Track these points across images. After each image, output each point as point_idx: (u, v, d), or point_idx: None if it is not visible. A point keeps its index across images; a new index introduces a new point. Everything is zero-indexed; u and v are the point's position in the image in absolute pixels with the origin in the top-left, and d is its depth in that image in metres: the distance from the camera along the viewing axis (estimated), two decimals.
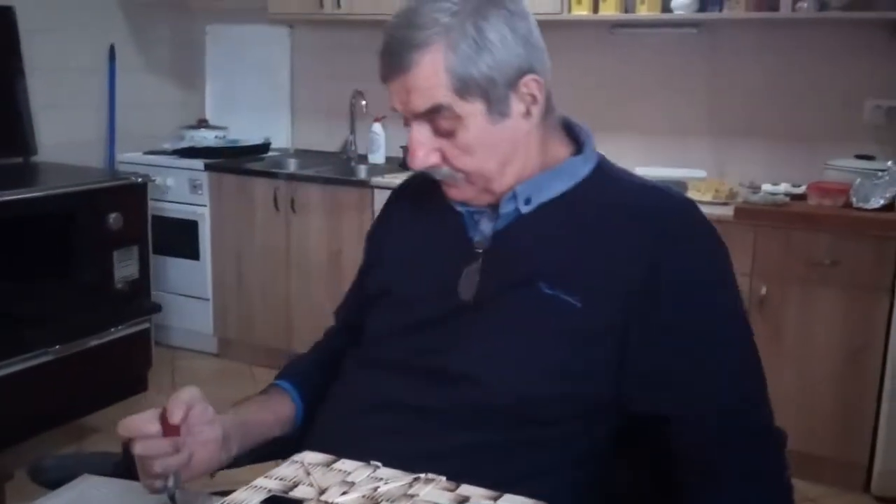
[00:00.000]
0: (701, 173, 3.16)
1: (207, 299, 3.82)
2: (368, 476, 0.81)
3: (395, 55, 0.98)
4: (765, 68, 3.14)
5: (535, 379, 0.99)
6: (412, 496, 0.76)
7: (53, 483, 1.20)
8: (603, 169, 1.09)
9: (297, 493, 0.78)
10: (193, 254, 3.80)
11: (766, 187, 2.89)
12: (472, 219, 1.09)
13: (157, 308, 3.42)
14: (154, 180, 3.54)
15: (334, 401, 1.11)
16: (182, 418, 0.98)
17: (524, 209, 1.05)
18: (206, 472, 1.04)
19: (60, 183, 3.15)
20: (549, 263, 1.02)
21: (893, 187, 2.64)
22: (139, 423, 0.98)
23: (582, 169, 1.07)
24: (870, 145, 2.96)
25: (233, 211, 3.69)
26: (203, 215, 3.74)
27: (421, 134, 1.01)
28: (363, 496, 0.77)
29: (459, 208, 1.09)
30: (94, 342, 3.09)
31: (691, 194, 2.90)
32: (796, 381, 2.71)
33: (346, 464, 0.84)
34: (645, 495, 1.07)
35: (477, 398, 0.99)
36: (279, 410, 1.16)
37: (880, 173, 2.70)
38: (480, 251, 1.06)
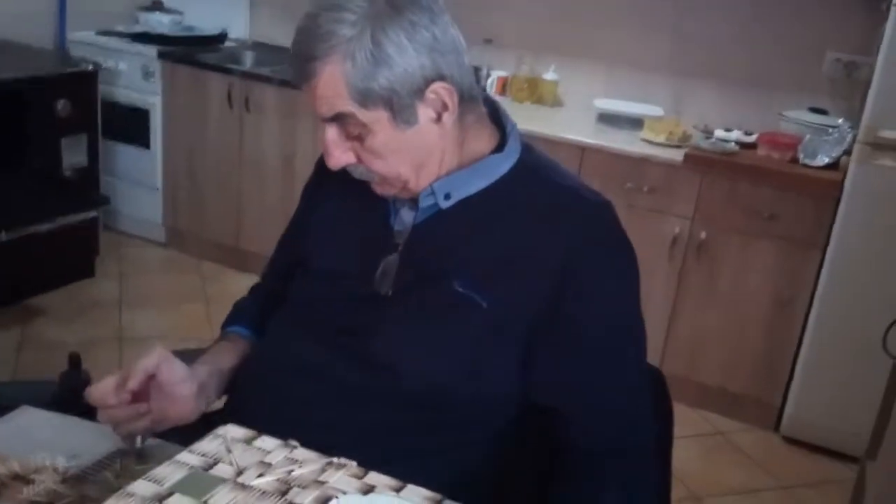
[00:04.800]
0: (658, 111, 3.18)
1: (157, 189, 3.79)
2: (285, 457, 0.86)
3: (297, 64, 0.99)
4: (732, 10, 3.12)
5: (443, 371, 1.04)
6: (322, 483, 0.82)
7: None
8: (525, 165, 1.10)
9: (216, 472, 0.83)
10: (144, 142, 3.74)
11: (719, 133, 2.93)
12: (394, 206, 1.11)
13: (105, 200, 3.40)
14: (105, 66, 3.45)
15: (260, 361, 1.16)
16: (139, 386, 1.04)
17: (444, 204, 1.07)
18: (186, 422, 1.10)
19: (9, 66, 3.05)
20: (463, 261, 1.05)
21: (840, 146, 2.70)
22: (101, 393, 1.04)
23: (502, 166, 1.08)
24: (825, 99, 3.00)
25: (186, 103, 3.62)
26: (155, 104, 3.66)
27: (332, 135, 1.02)
28: (277, 479, 0.83)
29: None
30: (40, 228, 3.08)
31: (645, 134, 2.94)
32: (725, 322, 2.84)
33: (265, 441, 0.89)
34: (536, 482, 1.14)
35: (390, 382, 1.04)
36: (244, 355, 1.22)
37: (830, 129, 2.75)
38: (399, 243, 1.09)
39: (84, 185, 3.27)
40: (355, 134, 1.02)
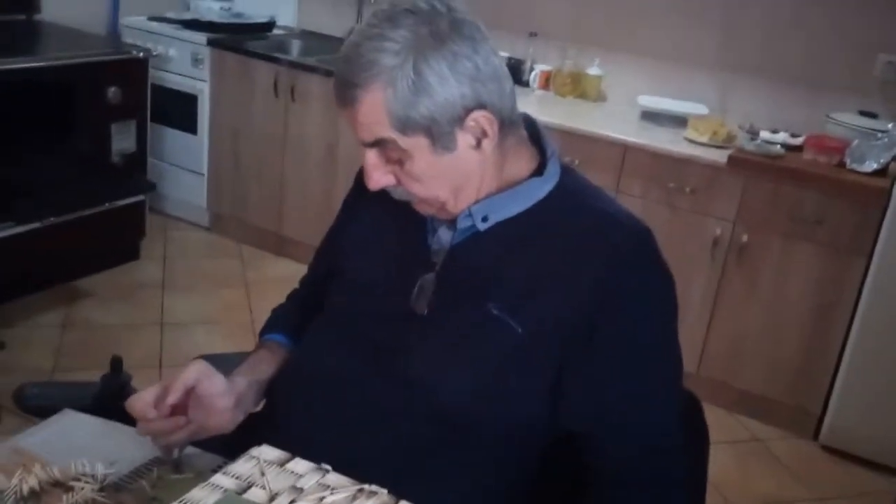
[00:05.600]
0: (703, 109, 3.13)
1: (202, 174, 3.85)
2: (317, 483, 0.88)
3: (339, 89, 1.00)
4: (782, 5, 3.05)
5: (475, 393, 1.04)
6: None
7: (35, 410, 1.28)
8: (564, 189, 1.09)
9: (250, 496, 0.85)
10: (191, 128, 3.79)
11: (765, 134, 2.87)
12: (433, 225, 1.12)
13: (151, 187, 3.45)
14: (156, 52, 3.49)
15: (294, 373, 1.17)
16: (179, 399, 1.07)
17: (481, 226, 1.07)
18: (224, 432, 1.12)
19: (62, 51, 3.11)
20: (499, 284, 1.05)
21: (889, 152, 2.64)
22: (141, 406, 1.07)
23: (541, 189, 1.08)
24: (876, 102, 2.93)
25: (232, 90, 3.66)
26: (203, 91, 3.71)
27: (373, 158, 1.04)
28: None
29: None
30: (88, 212, 3.14)
31: (689, 133, 2.90)
32: (765, 327, 2.80)
33: (298, 464, 0.91)
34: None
35: (422, 401, 1.05)
36: (283, 364, 1.23)
37: (880, 135, 2.68)
38: (436, 263, 1.09)
39: (131, 171, 3.32)
40: (395, 158, 1.03)
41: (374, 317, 1.12)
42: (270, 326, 1.33)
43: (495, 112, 1.02)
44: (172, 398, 1.05)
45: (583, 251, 1.04)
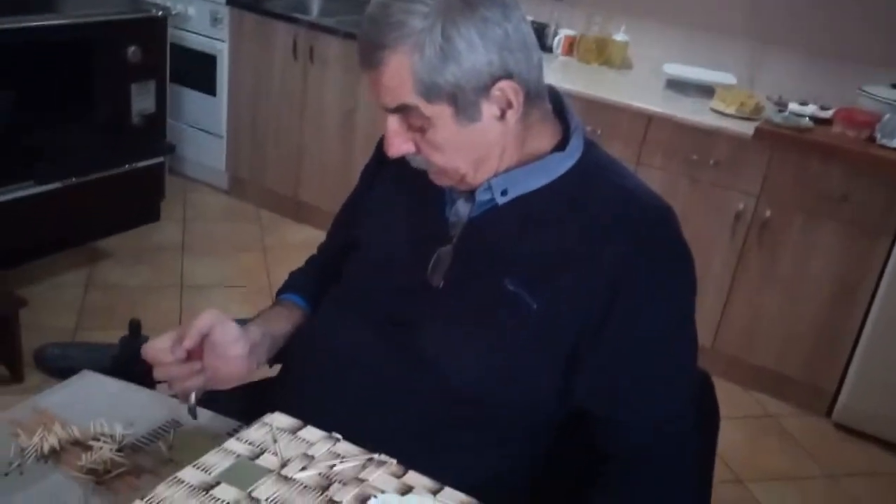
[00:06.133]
0: (731, 79, 3.08)
1: (222, 137, 3.84)
2: (328, 451, 0.88)
3: (365, 50, 0.98)
4: None
5: (486, 369, 1.04)
6: (362, 480, 0.84)
7: (55, 371, 1.30)
8: (586, 164, 1.08)
9: (262, 462, 0.86)
10: (210, 89, 3.78)
11: (793, 107, 2.83)
12: (451, 197, 1.11)
13: (171, 149, 3.46)
14: (175, 12, 3.47)
15: (308, 343, 1.17)
16: (194, 345, 1.06)
17: (500, 200, 1.06)
18: (237, 382, 1.13)
19: (80, 9, 3.10)
20: (516, 259, 1.04)
21: None
22: (157, 351, 1.07)
23: (563, 165, 1.07)
24: None
25: (252, 51, 3.63)
26: (222, 51, 3.69)
27: (394, 125, 1.02)
28: (319, 474, 0.85)
29: None
30: (108, 173, 3.15)
31: (715, 104, 2.86)
32: (783, 304, 2.78)
33: (310, 432, 0.91)
34: (569, 486, 1.13)
35: (434, 376, 1.05)
36: (298, 323, 1.24)
37: None
38: (453, 236, 1.08)
39: (151, 132, 3.32)
40: (417, 126, 1.01)
41: (389, 289, 1.12)
42: (287, 287, 1.33)
43: (521, 82, 1.00)
44: (188, 343, 1.05)
45: (603, 228, 1.02)
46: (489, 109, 1.00)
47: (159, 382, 1.11)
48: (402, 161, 1.08)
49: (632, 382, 1.03)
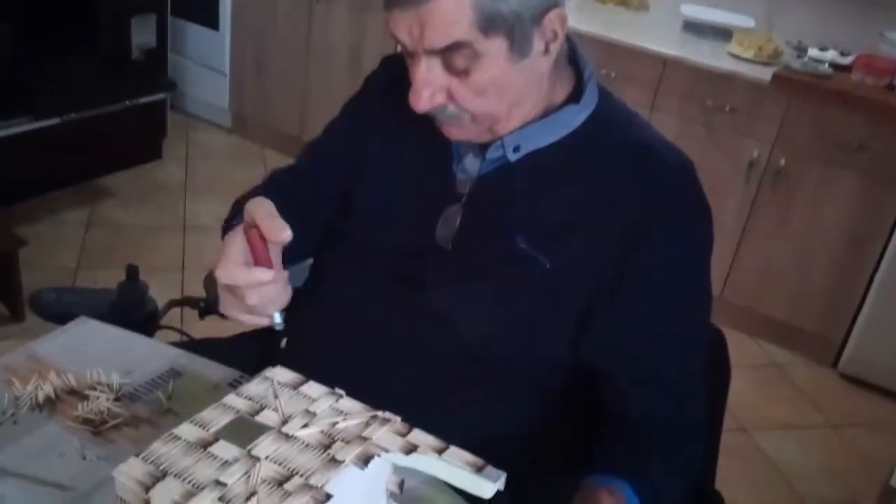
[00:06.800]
0: (749, 21, 2.99)
1: (224, 73, 3.76)
2: (330, 407, 0.85)
3: None
4: None
5: (497, 329, 1.01)
6: (365, 439, 0.81)
7: (51, 315, 1.27)
8: (601, 116, 1.01)
9: (262, 418, 0.83)
10: (213, 23, 3.69)
11: (812, 52, 2.74)
12: (458, 152, 1.04)
13: (173, 85, 3.38)
14: None
15: (314, 301, 1.13)
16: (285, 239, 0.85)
17: (512, 157, 1.00)
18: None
19: None
20: (528, 217, 0.99)
21: None
22: (247, 276, 0.86)
23: (577, 117, 1.01)
24: None
25: None
26: None
27: (431, 72, 0.92)
28: (321, 431, 0.82)
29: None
30: (109, 109, 3.10)
31: (733, 48, 2.77)
32: (794, 253, 2.74)
33: (312, 388, 0.88)
34: (576, 445, 1.11)
35: (443, 336, 1.02)
36: None
37: None
38: (463, 194, 1.03)
39: (152, 68, 3.25)
40: (461, 68, 0.92)
41: (394, 249, 1.06)
42: (269, 187, 1.15)
43: (564, 10, 0.94)
44: (287, 233, 0.85)
45: (619, 184, 0.97)
46: (538, 43, 0.94)
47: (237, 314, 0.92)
48: (399, 109, 1.00)
49: (644, 342, 0.99)
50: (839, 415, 2.61)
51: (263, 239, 0.86)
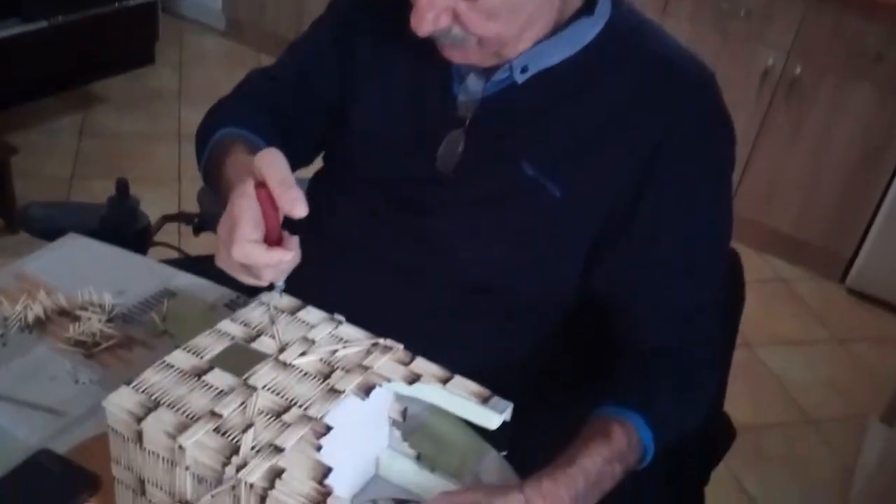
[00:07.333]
0: None
1: None
2: (329, 334, 0.82)
3: None
4: None
5: (502, 261, 0.95)
6: (366, 368, 0.78)
7: (39, 231, 1.22)
8: (615, 29, 0.93)
9: (258, 345, 0.79)
10: None
11: None
12: (459, 72, 0.96)
13: None
14: None
15: (308, 229, 1.06)
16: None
17: (519, 78, 0.92)
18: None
19: None
20: (536, 141, 0.92)
21: None
22: (265, 256, 0.75)
23: (590, 31, 0.92)
24: None
25: None
26: None
27: None
28: (320, 359, 0.78)
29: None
30: (99, 11, 2.98)
31: None
32: (806, 166, 2.68)
33: (310, 314, 0.84)
34: (580, 377, 1.07)
35: (445, 267, 0.97)
36: None
37: None
38: (466, 118, 0.95)
39: None
40: None
41: (392, 177, 1.00)
42: (231, 122, 1.01)
43: None
44: (302, 209, 0.75)
45: (634, 103, 0.90)
46: None
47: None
48: (393, 20, 0.92)
49: (659, 271, 0.94)
50: (846, 330, 2.59)
51: (275, 204, 0.75)
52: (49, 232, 1.18)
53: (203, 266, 1.10)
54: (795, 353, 2.46)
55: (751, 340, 2.45)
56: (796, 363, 2.42)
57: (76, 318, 1.00)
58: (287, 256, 0.76)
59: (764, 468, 2.05)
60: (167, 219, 1.43)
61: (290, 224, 0.77)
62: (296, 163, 1.03)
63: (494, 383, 0.78)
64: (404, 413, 0.83)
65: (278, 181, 0.73)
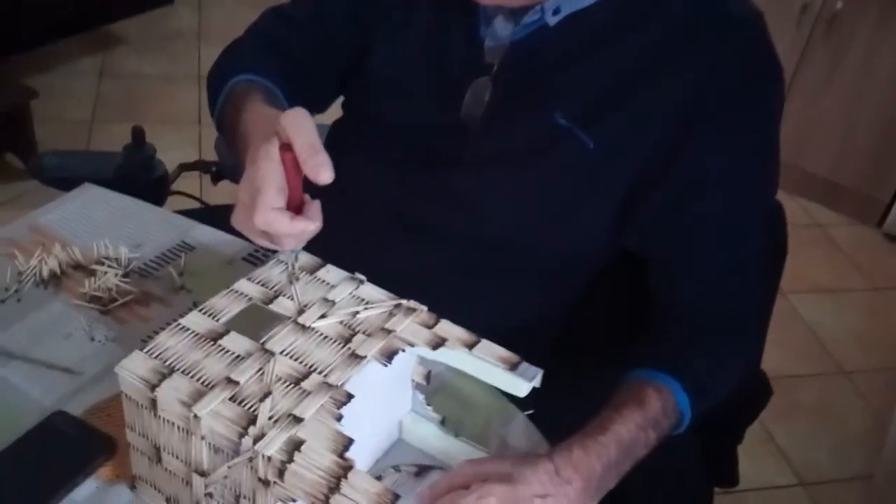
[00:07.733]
0: None
1: None
2: (350, 295, 0.78)
3: None
4: None
5: (532, 216, 0.91)
6: (389, 331, 0.74)
7: (54, 181, 1.19)
8: None
9: (276, 306, 0.76)
10: None
11: None
12: (485, 13, 0.89)
13: None
14: None
15: (332, 184, 1.01)
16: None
17: (551, 21, 0.86)
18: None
19: None
20: (569, 89, 0.86)
21: None
22: (288, 225, 0.71)
23: None
24: None
25: None
26: None
27: None
28: (341, 322, 0.75)
29: None
30: None
31: None
32: (844, 107, 2.58)
33: (330, 273, 0.80)
34: (607, 337, 1.03)
35: (470, 222, 0.93)
36: None
37: None
38: (493, 64, 0.89)
39: None
40: None
41: (416, 128, 0.95)
42: (246, 68, 0.95)
43: None
44: (327, 174, 0.69)
45: (678, 48, 0.84)
46: None
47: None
48: None
49: (699, 227, 0.88)
50: (882, 277, 2.52)
51: (299, 168, 0.70)
52: (63, 181, 1.15)
53: (221, 216, 1.05)
54: (829, 301, 2.40)
55: (783, 287, 2.37)
56: (829, 311, 2.36)
57: (92, 273, 0.98)
58: (311, 227, 0.72)
59: (795, 421, 2.01)
60: (184, 167, 1.39)
61: (308, 182, 0.73)
62: (312, 109, 0.98)
63: (519, 344, 0.75)
64: (428, 376, 0.80)
65: (306, 145, 0.68)
